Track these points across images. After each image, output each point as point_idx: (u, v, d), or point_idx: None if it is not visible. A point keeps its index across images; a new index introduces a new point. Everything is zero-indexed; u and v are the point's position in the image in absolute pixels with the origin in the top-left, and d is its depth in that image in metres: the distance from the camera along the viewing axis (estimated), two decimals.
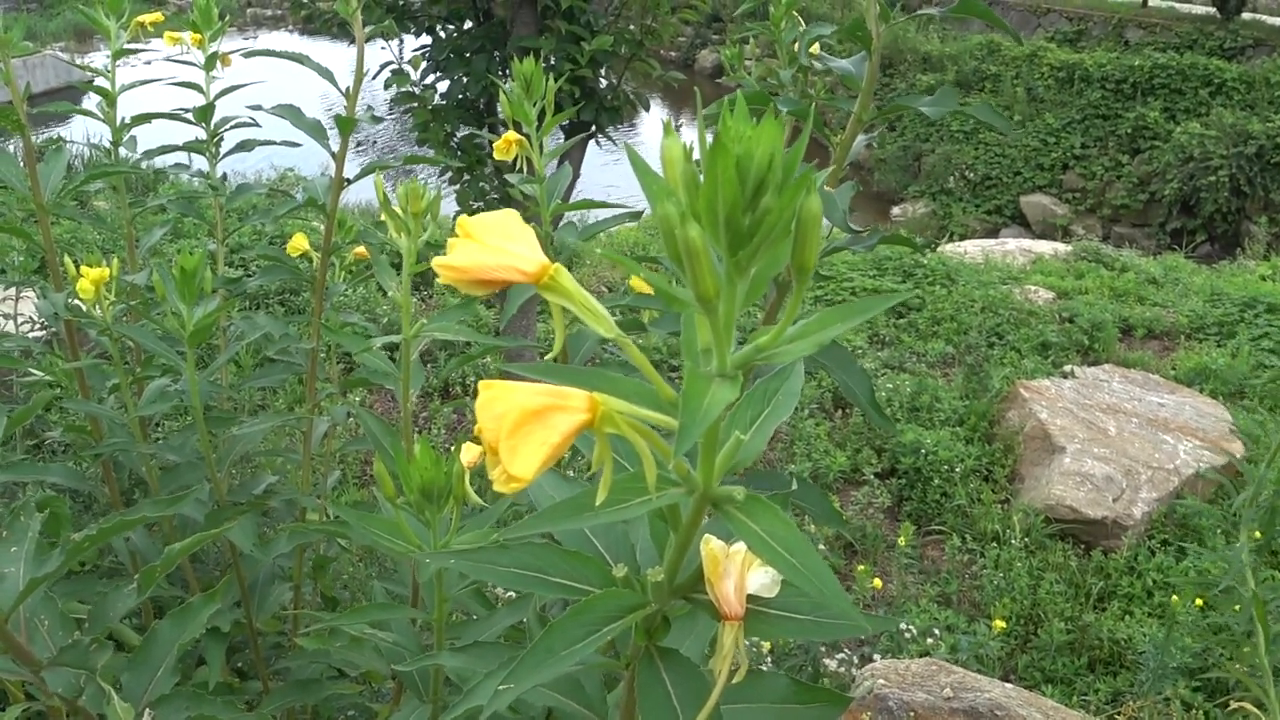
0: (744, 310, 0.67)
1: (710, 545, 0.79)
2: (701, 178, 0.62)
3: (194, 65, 2.33)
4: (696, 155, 0.66)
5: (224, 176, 2.50)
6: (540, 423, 0.63)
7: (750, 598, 0.80)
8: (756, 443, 0.77)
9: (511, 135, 1.72)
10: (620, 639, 0.82)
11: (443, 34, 4.57)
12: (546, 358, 0.74)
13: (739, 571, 0.79)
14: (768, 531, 0.68)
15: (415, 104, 4.50)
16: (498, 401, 0.62)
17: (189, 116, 2.28)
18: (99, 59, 2.56)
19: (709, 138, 0.61)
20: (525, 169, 1.76)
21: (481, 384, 0.63)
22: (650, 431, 0.69)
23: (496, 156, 1.74)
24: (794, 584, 0.67)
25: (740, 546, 0.79)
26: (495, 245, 0.68)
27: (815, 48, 1.86)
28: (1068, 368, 5.96)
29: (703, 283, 0.62)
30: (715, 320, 0.64)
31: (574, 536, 0.90)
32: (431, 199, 1.41)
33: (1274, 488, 2.55)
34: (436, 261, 0.68)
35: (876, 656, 3.40)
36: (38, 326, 3.53)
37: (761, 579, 0.80)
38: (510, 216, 0.71)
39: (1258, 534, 2.70)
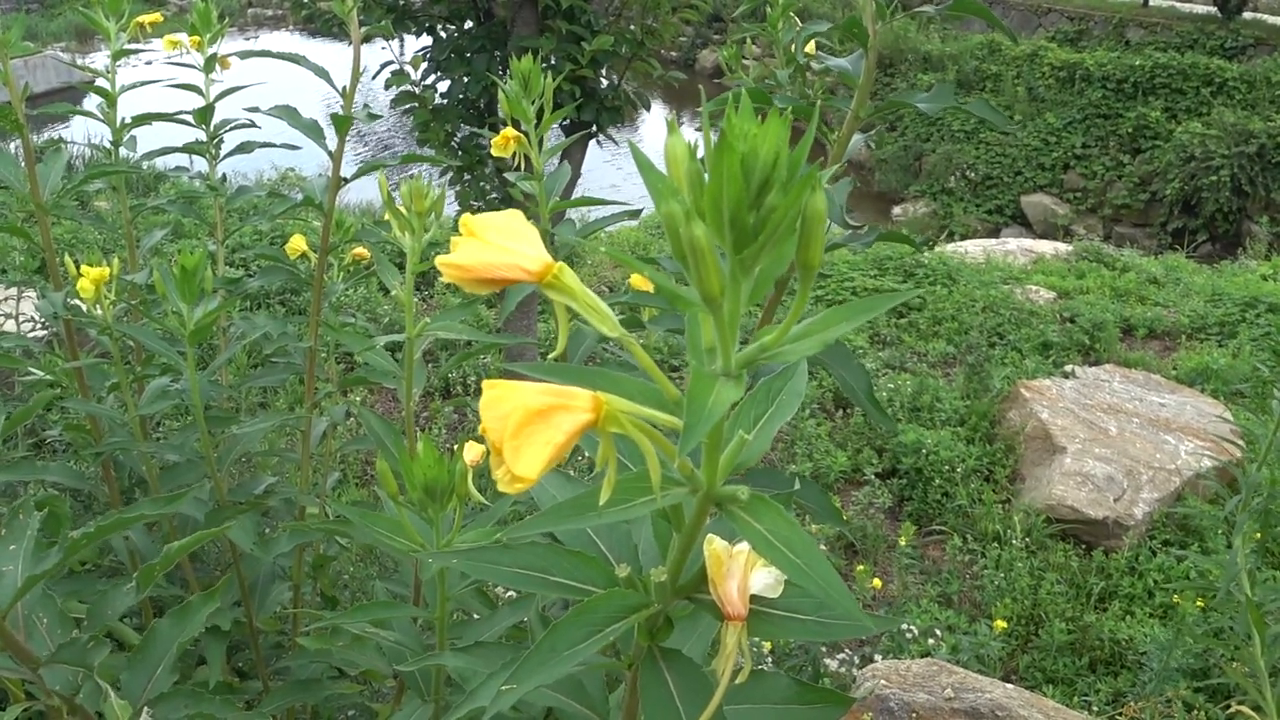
0: (744, 310, 0.67)
1: (713, 545, 0.79)
2: (706, 176, 0.61)
3: (193, 67, 2.33)
4: (700, 154, 0.65)
5: (224, 177, 2.50)
6: (544, 422, 0.62)
7: (753, 598, 0.80)
8: (760, 442, 0.77)
9: (509, 132, 1.71)
10: (623, 639, 0.82)
11: (443, 34, 4.56)
12: (550, 357, 0.74)
13: (742, 572, 0.78)
14: (772, 531, 0.68)
15: (416, 104, 4.49)
16: (502, 401, 0.62)
17: (189, 118, 2.28)
18: (99, 59, 2.56)
19: (713, 135, 0.61)
20: (524, 166, 1.76)
21: (486, 383, 0.62)
22: (654, 431, 0.69)
23: (494, 153, 1.73)
24: (798, 584, 0.66)
25: (743, 547, 0.79)
26: (499, 244, 0.68)
27: (811, 47, 1.86)
28: (1069, 368, 5.95)
29: (708, 281, 0.61)
30: (720, 319, 0.64)
31: (577, 536, 0.89)
32: (435, 198, 1.40)
33: (1270, 489, 2.55)
34: (440, 260, 0.67)
35: (877, 657, 3.39)
36: (38, 326, 3.53)
37: (765, 579, 0.79)
38: (514, 216, 0.71)
39: (1257, 535, 2.70)
